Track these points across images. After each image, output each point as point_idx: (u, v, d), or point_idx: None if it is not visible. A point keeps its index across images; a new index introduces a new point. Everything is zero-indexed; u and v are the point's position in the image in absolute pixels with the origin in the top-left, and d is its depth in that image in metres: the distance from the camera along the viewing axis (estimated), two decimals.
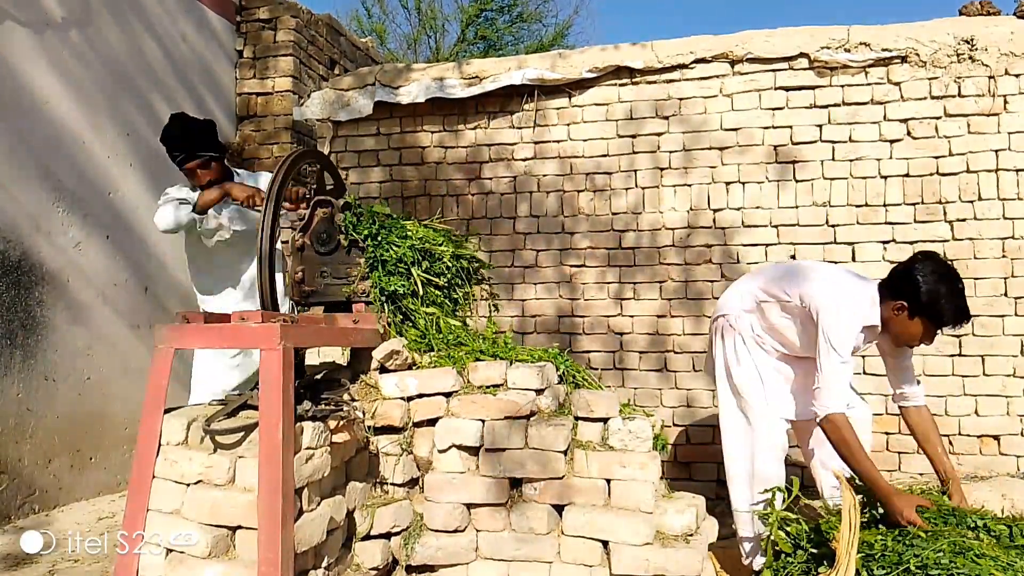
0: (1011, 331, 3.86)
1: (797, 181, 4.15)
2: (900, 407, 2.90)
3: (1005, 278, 3.89)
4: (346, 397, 2.52)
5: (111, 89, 3.95)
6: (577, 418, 2.69)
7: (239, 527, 2.15)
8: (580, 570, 2.50)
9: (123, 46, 4.05)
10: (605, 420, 2.66)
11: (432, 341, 2.88)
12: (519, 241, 4.51)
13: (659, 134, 4.34)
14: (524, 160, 4.53)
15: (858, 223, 4.06)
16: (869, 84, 4.08)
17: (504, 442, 2.57)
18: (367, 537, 2.51)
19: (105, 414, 3.80)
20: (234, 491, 2.17)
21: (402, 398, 2.68)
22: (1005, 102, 3.93)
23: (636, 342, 4.31)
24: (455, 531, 2.59)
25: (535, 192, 4.51)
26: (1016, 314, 3.87)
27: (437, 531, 2.59)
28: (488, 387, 2.69)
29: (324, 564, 2.31)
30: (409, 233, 2.97)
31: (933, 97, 4.01)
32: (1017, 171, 3.90)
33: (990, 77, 3.94)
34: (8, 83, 3.37)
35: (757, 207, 4.19)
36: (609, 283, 4.37)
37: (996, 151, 3.92)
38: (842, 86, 4.11)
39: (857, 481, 2.56)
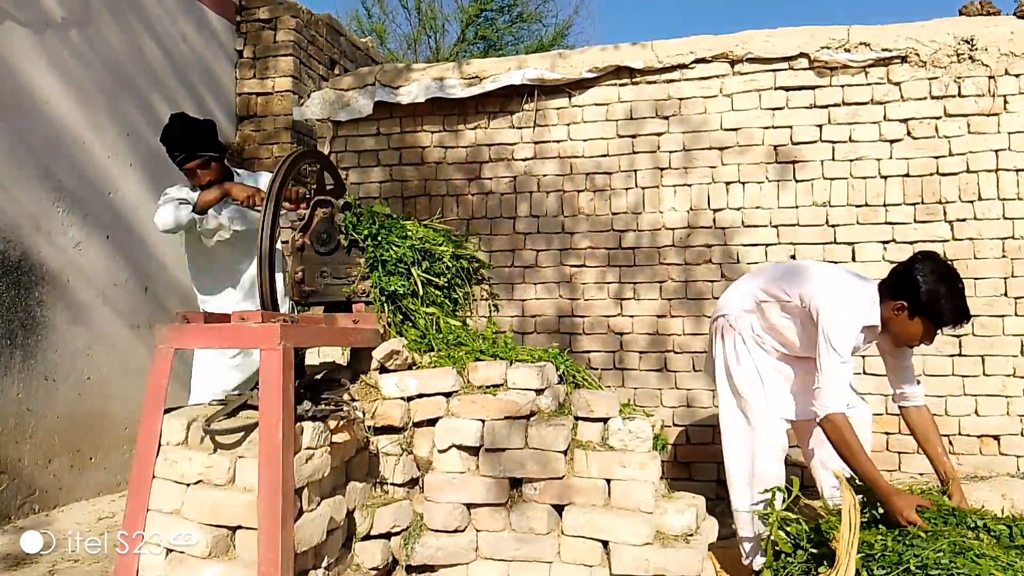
0: (1011, 331, 3.86)
1: (797, 181, 4.15)
2: (900, 407, 2.90)
3: (1005, 278, 3.89)
4: (346, 397, 2.52)
5: (111, 89, 3.95)
6: (577, 418, 2.69)
7: (239, 527, 2.15)
8: (580, 570, 2.50)
9: (123, 46, 4.05)
10: (605, 420, 2.66)
11: (432, 341, 2.89)
12: (519, 241, 4.51)
13: (659, 134, 4.34)
14: (524, 160, 4.53)
15: (858, 223, 4.06)
16: (869, 84, 4.08)
17: (504, 442, 2.57)
18: (367, 537, 2.51)
19: (105, 414, 3.80)
20: (234, 491, 2.17)
21: (402, 398, 2.68)
22: (1005, 102, 3.93)
23: (636, 342, 4.31)
24: (455, 531, 2.59)
25: (535, 192, 4.51)
26: (1016, 314, 3.87)
27: (437, 531, 2.59)
28: (488, 387, 2.69)
29: (324, 564, 2.32)
30: (409, 233, 2.97)
31: (933, 97, 4.01)
32: (1017, 171, 3.90)
33: (990, 77, 3.94)
34: (8, 83, 3.37)
35: (757, 207, 4.19)
36: (609, 283, 4.37)
37: (996, 151, 3.92)
38: (842, 86, 4.11)
39: (857, 481, 2.57)
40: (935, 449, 2.81)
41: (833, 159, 4.11)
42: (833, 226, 4.09)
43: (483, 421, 2.62)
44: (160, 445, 2.27)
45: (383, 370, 2.75)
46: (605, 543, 2.49)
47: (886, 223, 4.03)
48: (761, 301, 2.85)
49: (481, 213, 4.58)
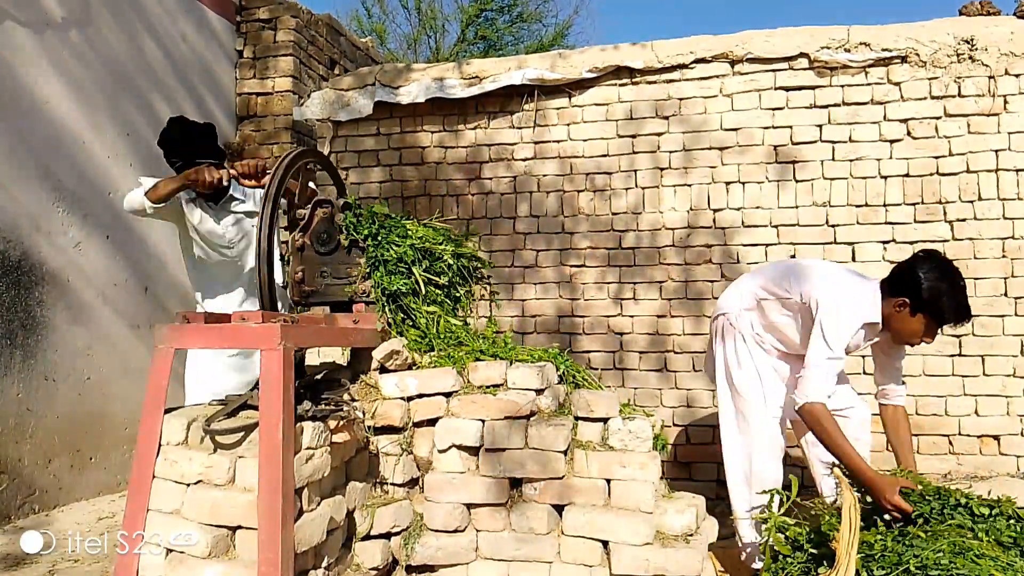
0: (1011, 331, 3.86)
1: (797, 181, 4.15)
2: (880, 404, 2.91)
3: (1005, 278, 3.89)
4: (346, 397, 2.52)
5: (111, 89, 3.95)
6: (577, 418, 2.69)
7: (239, 527, 2.14)
8: (580, 570, 2.50)
9: (123, 46, 4.05)
10: (605, 420, 2.66)
11: (432, 341, 2.88)
12: (519, 241, 4.51)
13: (659, 134, 4.34)
14: (524, 160, 4.53)
15: (858, 223, 4.06)
16: (869, 84, 4.08)
17: (504, 442, 2.57)
18: (367, 537, 2.50)
19: (105, 414, 3.80)
20: (234, 491, 2.17)
21: (402, 398, 2.68)
22: (1005, 102, 3.93)
23: (636, 342, 4.31)
24: (455, 531, 2.59)
25: (535, 192, 4.51)
26: (1016, 314, 3.87)
27: (437, 531, 2.59)
28: (488, 387, 2.69)
29: (324, 564, 2.31)
30: (409, 232, 2.97)
31: (933, 97, 4.01)
32: (1017, 171, 3.90)
33: (990, 77, 3.94)
34: (8, 83, 3.37)
35: (757, 207, 4.20)
36: (609, 283, 4.37)
37: (996, 151, 3.92)
38: (842, 86, 4.11)
39: (842, 468, 2.56)
40: (905, 447, 2.83)
41: (833, 159, 4.11)
42: (833, 226, 4.10)
43: (483, 421, 2.62)
44: (160, 445, 2.27)
45: (383, 370, 2.75)
46: (605, 543, 2.49)
47: (886, 223, 4.03)
48: (761, 299, 2.85)
49: (481, 213, 4.58)
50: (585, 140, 4.44)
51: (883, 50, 4.03)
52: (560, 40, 15.61)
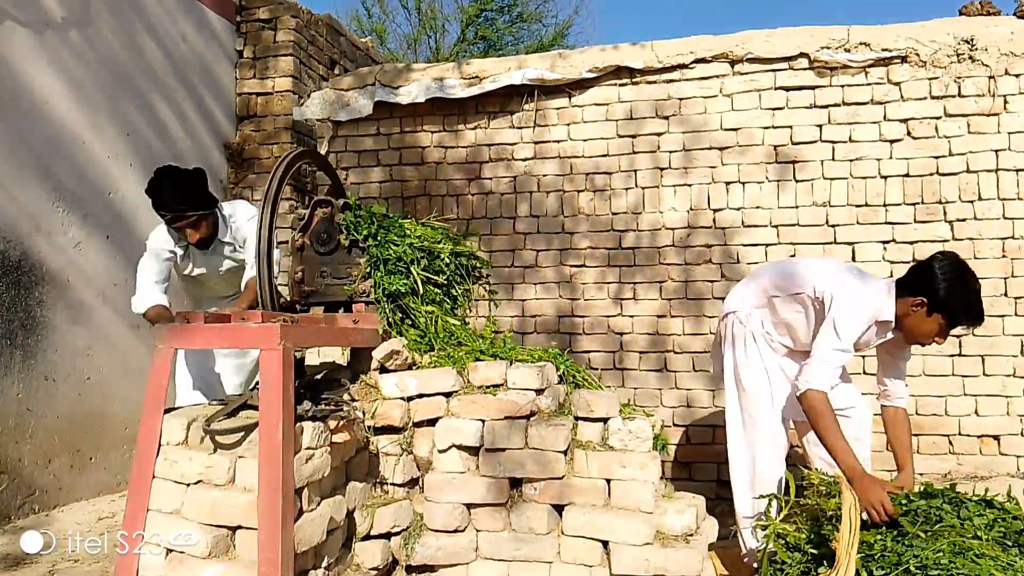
0: (1011, 331, 3.86)
1: (797, 181, 4.15)
2: (881, 404, 2.91)
3: (1005, 278, 3.89)
4: (346, 397, 2.52)
5: (111, 89, 3.95)
6: (577, 418, 2.69)
7: (239, 527, 2.15)
8: (580, 570, 2.50)
9: (123, 46, 4.04)
10: (605, 420, 2.66)
11: (432, 341, 2.89)
12: (519, 241, 4.51)
13: (659, 134, 4.34)
14: (524, 160, 4.53)
15: (858, 223, 4.06)
16: (869, 84, 4.08)
17: (504, 442, 2.57)
18: (367, 537, 2.51)
19: (105, 414, 3.80)
20: (234, 491, 2.17)
21: (402, 398, 2.68)
22: (1005, 102, 3.93)
23: (636, 342, 4.31)
24: (455, 531, 2.59)
25: (535, 192, 4.51)
26: (1016, 314, 3.87)
27: (437, 531, 2.59)
28: (488, 387, 2.69)
29: (324, 564, 2.32)
30: (407, 232, 2.97)
31: (933, 97, 4.01)
32: (1017, 171, 3.90)
33: (990, 77, 3.94)
34: (8, 83, 3.37)
35: (757, 207, 4.20)
36: (609, 283, 4.37)
37: (996, 151, 3.92)
38: (842, 86, 4.11)
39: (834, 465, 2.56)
40: (905, 450, 2.82)
41: (833, 159, 4.11)
42: (833, 226, 4.10)
43: (483, 421, 2.62)
44: (160, 445, 2.27)
45: (383, 370, 2.75)
46: (605, 543, 2.49)
47: (886, 223, 4.03)
48: (772, 296, 2.85)
49: (481, 213, 4.58)
50: (585, 140, 4.44)
51: (883, 50, 4.03)
52: (560, 40, 15.60)
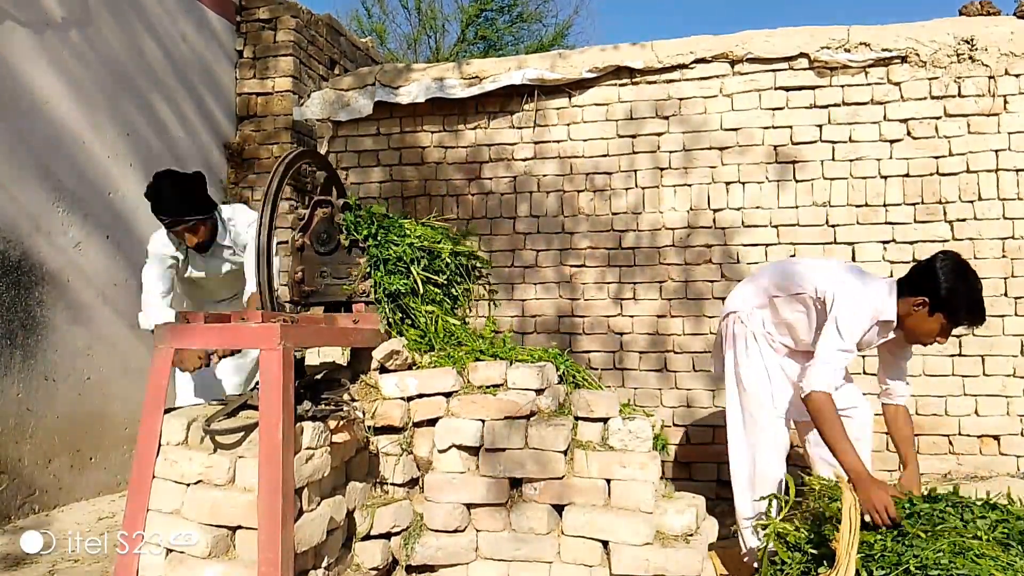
0: (1011, 331, 3.86)
1: (797, 181, 4.15)
2: (883, 403, 2.92)
3: (1005, 278, 3.89)
4: (346, 397, 2.52)
5: (111, 89, 3.95)
6: (577, 418, 2.69)
7: (239, 527, 2.15)
8: (580, 570, 2.50)
9: (123, 46, 4.04)
10: (605, 420, 2.66)
11: (432, 340, 2.89)
12: (519, 241, 4.51)
13: (659, 134, 4.34)
14: (524, 160, 4.53)
15: (858, 223, 4.06)
16: (869, 84, 4.08)
17: (504, 442, 2.57)
18: (367, 537, 2.51)
19: (105, 414, 3.80)
20: (234, 491, 2.17)
21: (402, 398, 2.68)
22: (1005, 102, 3.93)
23: (636, 342, 4.31)
24: (455, 531, 2.59)
25: (535, 192, 4.51)
26: (1016, 314, 3.87)
27: (437, 531, 2.59)
28: (488, 387, 2.69)
29: (324, 564, 2.32)
30: (407, 231, 2.97)
31: (933, 97, 4.01)
32: (1017, 171, 3.90)
33: (990, 77, 3.94)
34: (8, 83, 3.37)
35: (757, 207, 4.20)
36: (609, 283, 4.37)
37: (996, 151, 3.92)
38: (842, 86, 4.11)
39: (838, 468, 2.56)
40: (909, 446, 2.85)
41: (833, 159, 4.11)
42: (833, 226, 4.10)
43: (483, 421, 2.62)
44: (160, 445, 2.27)
45: (383, 370, 2.75)
46: (605, 543, 2.49)
47: (886, 223, 4.03)
48: (773, 296, 2.86)
49: (481, 213, 4.58)
50: (585, 140, 4.44)
51: (883, 50, 4.03)
52: (560, 40, 15.61)
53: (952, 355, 3.91)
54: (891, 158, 4.04)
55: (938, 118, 4.00)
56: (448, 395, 2.70)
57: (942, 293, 2.54)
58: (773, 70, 4.18)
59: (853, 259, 4.03)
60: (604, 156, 4.41)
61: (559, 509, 2.56)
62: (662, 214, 4.31)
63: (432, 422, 2.68)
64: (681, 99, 4.31)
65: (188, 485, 2.20)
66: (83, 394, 3.68)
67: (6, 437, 3.26)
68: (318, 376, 2.69)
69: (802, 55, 4.12)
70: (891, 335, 2.75)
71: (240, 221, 3.32)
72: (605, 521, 2.48)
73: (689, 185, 4.28)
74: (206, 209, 3.10)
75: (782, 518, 2.53)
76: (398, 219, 3.01)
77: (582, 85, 4.44)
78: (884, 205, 4.04)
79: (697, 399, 4.21)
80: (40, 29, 3.54)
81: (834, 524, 2.33)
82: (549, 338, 4.35)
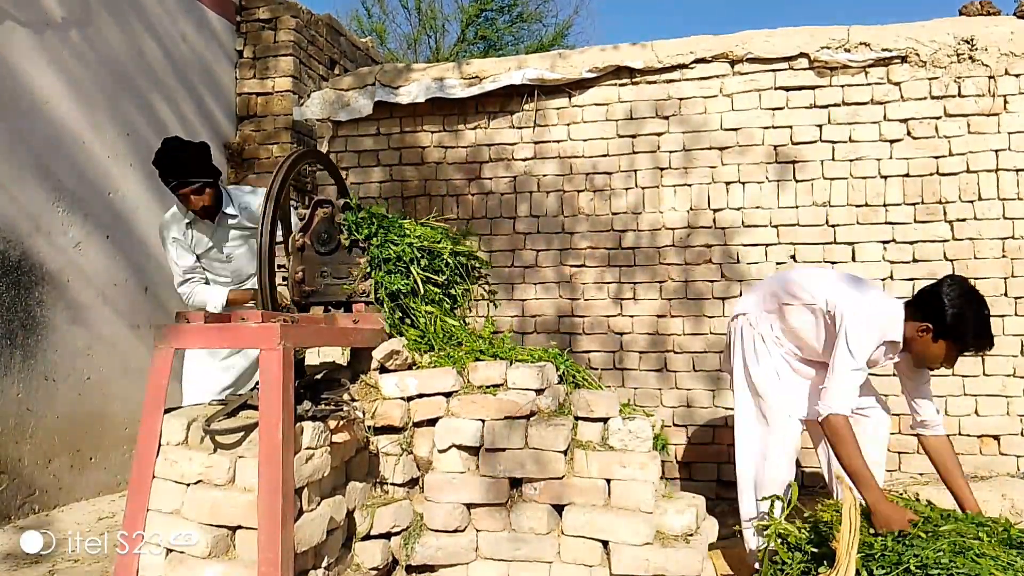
0: (1011, 331, 3.86)
1: (797, 181, 4.15)
2: (919, 436, 2.85)
3: (1005, 278, 3.89)
4: (346, 397, 2.52)
5: (111, 89, 3.95)
6: (577, 418, 2.69)
7: (239, 527, 2.15)
8: (580, 570, 2.50)
9: (123, 46, 4.04)
10: (605, 420, 2.66)
11: (432, 340, 2.89)
12: (519, 241, 4.51)
13: (659, 134, 4.34)
14: (524, 160, 4.53)
15: (858, 223, 4.06)
16: (869, 84, 4.08)
17: (504, 442, 2.57)
18: (367, 537, 2.51)
19: (105, 414, 3.80)
20: (234, 491, 2.17)
21: (402, 398, 2.68)
22: (1005, 102, 3.93)
23: (636, 342, 4.31)
24: (455, 531, 2.59)
25: (535, 192, 4.51)
26: (1016, 314, 3.87)
27: (437, 531, 2.59)
28: (488, 387, 2.69)
29: (324, 564, 2.31)
30: (407, 231, 2.97)
31: (933, 97, 4.01)
32: (1017, 171, 3.90)
33: (990, 77, 3.94)
34: (8, 83, 3.37)
35: (757, 207, 4.20)
36: (609, 283, 4.37)
37: (996, 151, 3.92)
38: (842, 86, 4.11)
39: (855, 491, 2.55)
40: (958, 483, 2.72)
41: (833, 159, 4.11)
42: (833, 226, 4.10)
43: (483, 421, 2.62)
44: (160, 445, 2.27)
45: (383, 370, 2.75)
46: (605, 543, 2.49)
47: (886, 223, 4.03)
48: (783, 303, 2.84)
49: (481, 213, 4.58)
50: (585, 140, 4.44)
51: (883, 50, 4.03)
52: (560, 40, 15.62)
53: None
54: (891, 158, 4.04)
55: (938, 118, 4.00)
56: (448, 395, 2.70)
57: (947, 320, 2.52)
58: (773, 70, 4.18)
59: (853, 259, 4.03)
60: (604, 156, 4.41)
61: (559, 509, 2.56)
62: (662, 214, 4.31)
63: (432, 422, 2.68)
64: (681, 99, 4.32)
65: (188, 485, 2.20)
66: (83, 394, 3.68)
67: (6, 437, 3.26)
68: (318, 376, 2.69)
69: (802, 55, 4.12)
70: (897, 357, 2.73)
71: (245, 191, 3.48)
72: (605, 521, 2.48)
73: (689, 185, 4.28)
74: (212, 173, 3.20)
75: (784, 518, 2.54)
76: (398, 219, 3.01)
77: (582, 85, 4.44)
78: (884, 205, 4.04)
79: (697, 399, 4.21)
80: (40, 29, 3.54)
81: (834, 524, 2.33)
82: (549, 338, 4.35)
